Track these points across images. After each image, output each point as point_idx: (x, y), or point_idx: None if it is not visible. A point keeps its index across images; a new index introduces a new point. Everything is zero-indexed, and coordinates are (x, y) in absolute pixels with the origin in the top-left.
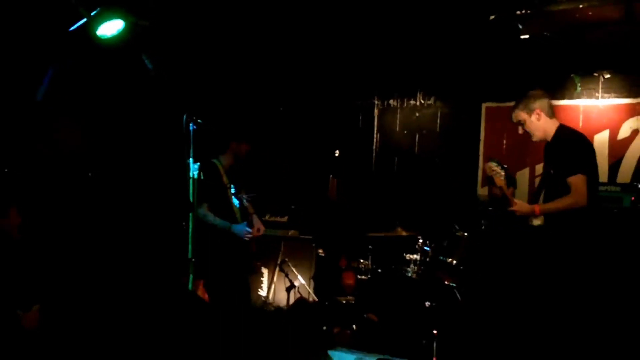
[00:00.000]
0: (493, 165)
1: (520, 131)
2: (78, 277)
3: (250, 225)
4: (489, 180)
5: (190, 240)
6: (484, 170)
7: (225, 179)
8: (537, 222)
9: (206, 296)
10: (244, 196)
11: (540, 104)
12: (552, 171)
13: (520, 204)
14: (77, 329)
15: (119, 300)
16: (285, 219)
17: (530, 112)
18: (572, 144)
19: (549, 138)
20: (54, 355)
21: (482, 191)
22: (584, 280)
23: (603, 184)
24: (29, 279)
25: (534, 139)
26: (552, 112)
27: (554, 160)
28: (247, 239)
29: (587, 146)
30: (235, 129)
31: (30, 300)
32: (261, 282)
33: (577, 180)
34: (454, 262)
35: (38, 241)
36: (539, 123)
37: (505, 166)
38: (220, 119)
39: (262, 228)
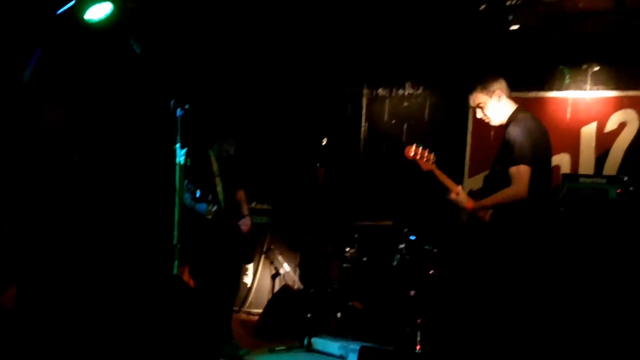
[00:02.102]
0: (415, 148)
1: (479, 115)
2: (59, 259)
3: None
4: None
5: (176, 225)
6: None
7: (215, 167)
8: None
9: (191, 282)
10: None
11: (499, 85)
12: (497, 159)
13: (460, 195)
14: (56, 310)
15: (101, 283)
16: (271, 206)
17: (490, 93)
18: (519, 131)
19: (503, 123)
20: (32, 335)
21: (468, 182)
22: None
23: (589, 176)
24: (6, 258)
25: (493, 123)
26: (510, 95)
27: (501, 147)
28: (209, 217)
29: (536, 135)
30: (218, 128)
31: (7, 280)
32: (246, 269)
33: (518, 171)
34: (439, 251)
35: (19, 223)
36: (500, 105)
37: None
38: (208, 110)
39: (248, 224)
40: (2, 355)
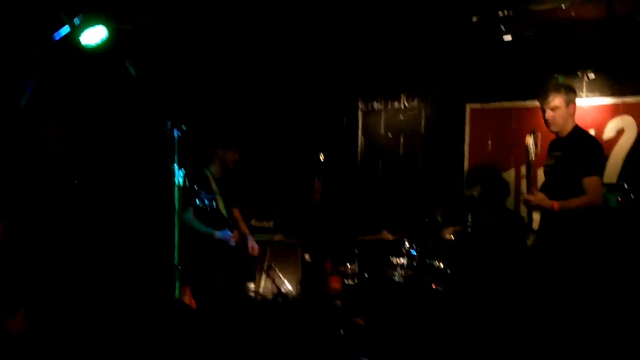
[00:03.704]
0: (531, 139)
1: (548, 116)
2: (64, 282)
3: (243, 243)
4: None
5: (176, 247)
6: (469, 169)
7: (214, 186)
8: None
9: (193, 303)
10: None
11: (575, 99)
12: (560, 168)
13: (538, 195)
14: (62, 334)
15: (105, 305)
16: (270, 223)
17: (569, 102)
18: (592, 146)
19: (563, 134)
20: (32, 335)
21: (468, 193)
22: (583, 280)
23: None
24: (14, 283)
25: (553, 128)
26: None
27: (568, 158)
28: (232, 244)
29: (602, 149)
30: (220, 136)
31: (15, 305)
32: (250, 287)
33: (594, 182)
34: (441, 265)
35: (23, 245)
36: (569, 116)
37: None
38: (205, 125)
39: (257, 247)
40: (2, 356)
